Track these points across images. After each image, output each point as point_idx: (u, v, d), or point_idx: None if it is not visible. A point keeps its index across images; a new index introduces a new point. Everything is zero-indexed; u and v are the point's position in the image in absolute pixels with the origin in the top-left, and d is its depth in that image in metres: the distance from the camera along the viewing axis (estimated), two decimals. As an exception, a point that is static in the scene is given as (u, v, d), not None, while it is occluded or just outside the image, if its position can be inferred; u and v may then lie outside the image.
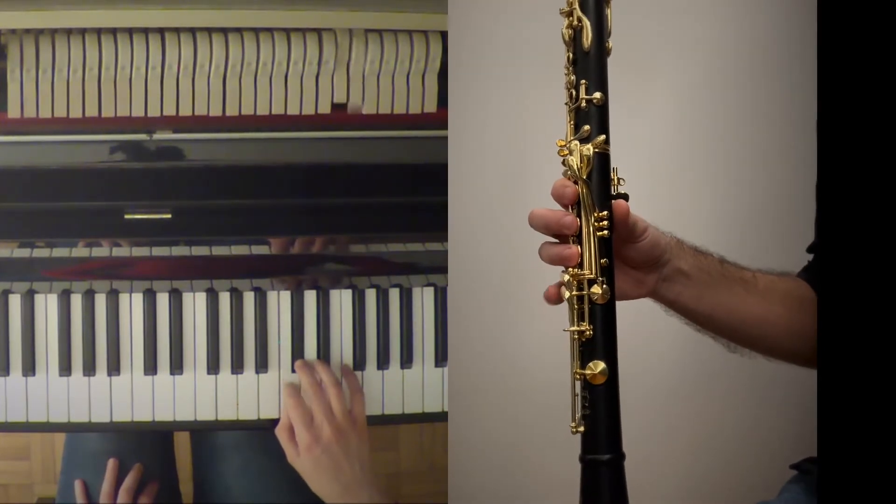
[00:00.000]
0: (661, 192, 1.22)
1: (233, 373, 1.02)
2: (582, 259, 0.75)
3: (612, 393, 0.75)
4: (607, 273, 0.75)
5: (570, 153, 0.74)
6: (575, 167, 0.74)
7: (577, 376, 0.76)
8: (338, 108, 0.98)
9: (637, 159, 1.24)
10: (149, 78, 0.94)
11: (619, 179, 0.76)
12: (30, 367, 0.99)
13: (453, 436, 1.27)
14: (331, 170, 1.00)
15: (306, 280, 1.03)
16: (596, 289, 0.74)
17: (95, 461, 1.07)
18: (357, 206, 1.01)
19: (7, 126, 0.94)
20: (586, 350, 0.75)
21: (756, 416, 1.29)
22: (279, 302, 1.03)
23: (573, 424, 0.75)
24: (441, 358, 1.05)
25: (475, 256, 1.27)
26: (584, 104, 0.75)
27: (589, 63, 0.75)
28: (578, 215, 0.75)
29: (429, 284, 1.05)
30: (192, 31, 0.94)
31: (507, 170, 1.28)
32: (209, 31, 0.94)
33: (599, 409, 0.74)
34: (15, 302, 1.00)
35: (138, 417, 1.01)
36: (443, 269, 1.05)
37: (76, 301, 1.00)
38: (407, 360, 1.05)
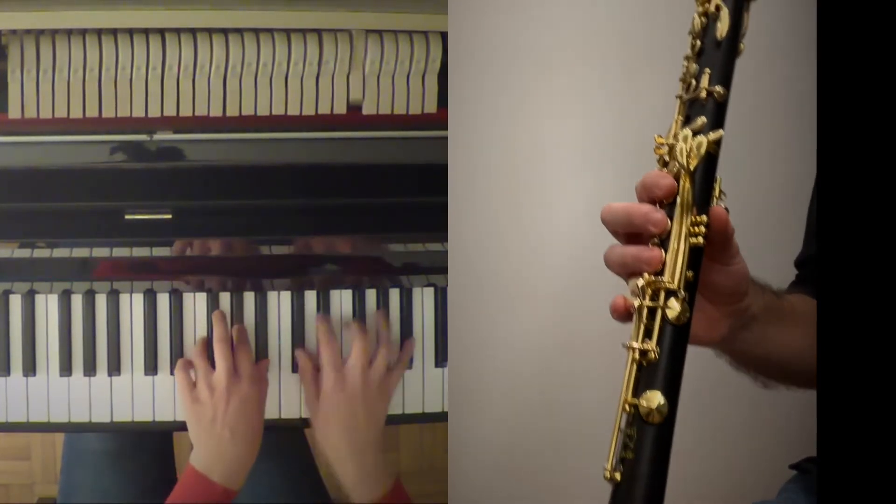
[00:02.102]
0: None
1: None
2: (663, 265, 0.62)
3: (666, 438, 0.59)
4: (690, 289, 0.62)
5: (675, 145, 0.64)
6: (682, 157, 0.62)
7: (627, 407, 0.60)
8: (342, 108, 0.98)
9: (632, 159, 1.24)
10: (149, 78, 0.94)
11: (721, 192, 0.65)
12: (30, 368, 0.99)
13: (453, 436, 1.27)
14: (331, 170, 1.00)
15: (306, 280, 1.03)
16: (674, 303, 0.61)
17: (95, 460, 1.07)
18: (357, 206, 1.01)
19: (7, 127, 0.94)
20: (644, 376, 0.60)
21: (756, 416, 1.29)
22: (279, 302, 1.03)
23: (607, 468, 0.59)
24: (441, 358, 1.05)
25: (475, 256, 1.28)
26: (703, 94, 0.64)
27: (718, 54, 0.65)
28: (669, 216, 0.63)
29: (429, 284, 1.05)
30: (193, 31, 0.94)
31: (507, 170, 1.28)
32: (209, 31, 0.94)
33: (645, 456, 0.58)
34: (15, 302, 1.00)
35: (139, 417, 1.01)
36: (443, 269, 1.05)
37: (76, 301, 1.00)
38: (407, 361, 1.05)
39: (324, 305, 1.04)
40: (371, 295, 1.05)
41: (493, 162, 1.28)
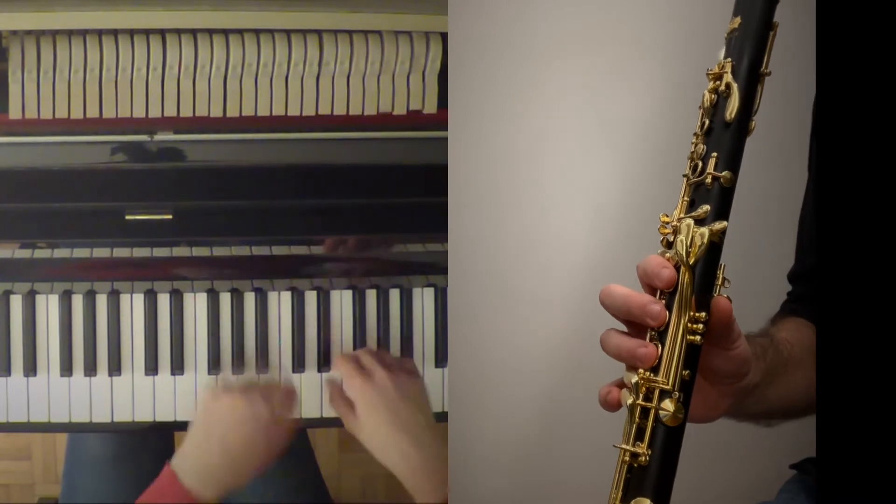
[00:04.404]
0: (645, 198, 1.22)
1: (234, 373, 1.02)
2: (659, 362, 0.61)
3: None
4: (686, 389, 0.60)
5: (678, 232, 0.61)
6: (682, 249, 0.60)
7: None
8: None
9: (632, 160, 1.24)
10: (150, 79, 0.94)
11: (724, 280, 0.63)
12: (31, 368, 1.00)
13: (453, 436, 1.27)
14: (331, 170, 1.00)
15: (306, 280, 1.03)
16: (668, 404, 0.60)
17: (97, 464, 1.07)
18: (357, 206, 1.01)
19: (8, 127, 0.94)
20: (635, 480, 0.60)
21: (756, 416, 1.29)
22: (279, 302, 1.04)
23: None
24: (441, 358, 1.06)
25: (475, 256, 1.28)
26: (708, 179, 0.62)
27: (726, 136, 0.63)
28: (668, 307, 0.61)
29: (429, 285, 1.05)
30: (193, 32, 0.94)
31: (507, 170, 1.28)
32: (210, 32, 0.94)
33: None
34: (16, 302, 1.00)
35: (139, 417, 1.01)
36: (443, 270, 1.05)
37: (77, 301, 1.01)
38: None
39: (324, 305, 1.04)
40: (371, 295, 1.05)
41: (493, 162, 1.28)
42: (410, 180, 1.00)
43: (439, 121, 1.00)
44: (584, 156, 1.26)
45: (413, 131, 1.00)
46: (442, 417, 1.06)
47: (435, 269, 1.05)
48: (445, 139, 1.01)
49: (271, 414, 0.91)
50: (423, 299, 1.06)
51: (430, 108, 1.00)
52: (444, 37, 0.98)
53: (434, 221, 1.02)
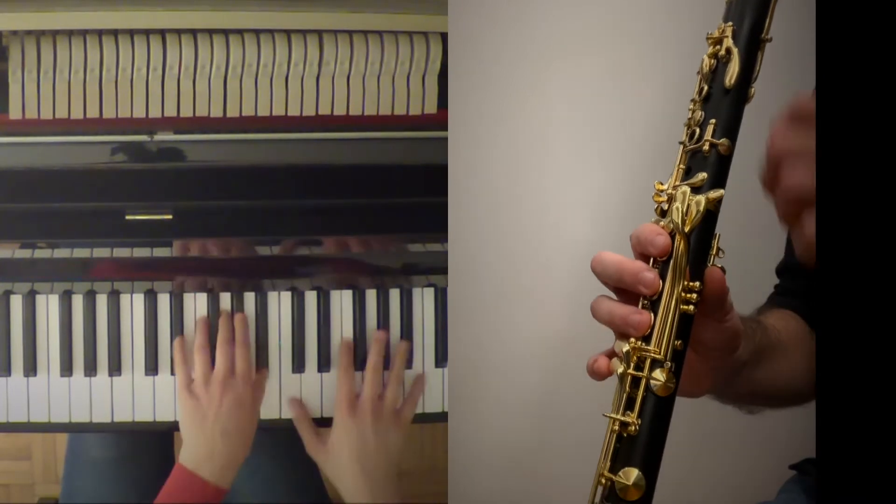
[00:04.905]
0: (645, 198, 1.21)
1: (233, 373, 1.02)
2: (651, 331, 0.59)
3: None
4: (677, 359, 0.60)
5: (673, 199, 0.60)
6: (678, 217, 0.60)
7: (602, 481, 0.59)
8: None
9: (633, 159, 1.24)
10: (150, 79, 0.94)
11: (719, 250, 0.61)
12: (31, 368, 1.00)
13: (453, 436, 1.27)
14: (331, 171, 1.00)
15: (306, 280, 1.03)
16: (659, 374, 0.59)
17: (97, 467, 1.07)
18: (357, 206, 1.01)
19: (8, 127, 0.94)
20: (623, 449, 0.59)
21: (756, 416, 1.29)
22: (279, 302, 1.04)
23: None
24: (441, 358, 1.06)
25: (475, 256, 1.28)
26: (706, 147, 0.60)
27: (724, 103, 0.61)
28: (661, 275, 0.60)
29: (429, 285, 1.06)
30: (193, 32, 0.94)
31: (507, 170, 1.28)
32: (210, 32, 0.94)
33: None
34: (16, 302, 1.00)
35: (139, 417, 1.01)
36: (443, 270, 1.05)
37: (77, 301, 1.01)
38: (407, 361, 1.05)
39: (324, 305, 1.04)
40: (371, 295, 1.05)
41: (493, 162, 1.28)
42: (410, 180, 1.00)
43: (439, 121, 1.00)
44: (585, 156, 1.26)
45: (413, 131, 1.00)
46: (442, 417, 1.06)
47: (435, 269, 1.05)
48: (445, 139, 1.01)
49: (246, 385, 0.97)
50: (423, 299, 1.06)
51: (430, 108, 1.00)
52: (444, 37, 0.98)
53: (434, 221, 1.02)
